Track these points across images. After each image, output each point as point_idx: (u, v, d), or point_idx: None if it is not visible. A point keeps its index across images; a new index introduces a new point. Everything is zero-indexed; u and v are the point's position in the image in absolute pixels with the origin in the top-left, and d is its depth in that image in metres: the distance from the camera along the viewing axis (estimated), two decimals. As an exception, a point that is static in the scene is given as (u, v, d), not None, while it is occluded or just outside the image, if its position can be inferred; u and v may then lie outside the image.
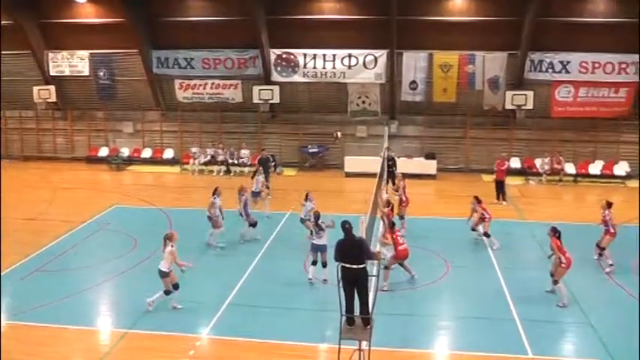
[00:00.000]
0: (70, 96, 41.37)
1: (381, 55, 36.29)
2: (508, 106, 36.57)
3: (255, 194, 26.85)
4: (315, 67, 36.88)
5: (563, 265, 18.72)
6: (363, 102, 37.87)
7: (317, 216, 20.16)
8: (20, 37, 37.66)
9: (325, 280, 19.69)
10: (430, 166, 36.44)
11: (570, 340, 16.97)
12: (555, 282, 18.86)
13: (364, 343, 13.27)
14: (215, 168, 37.42)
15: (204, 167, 37.66)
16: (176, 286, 17.90)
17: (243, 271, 20.87)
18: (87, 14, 37.68)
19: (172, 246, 17.79)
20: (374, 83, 37.20)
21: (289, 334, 16.49)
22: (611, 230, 21.74)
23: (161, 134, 40.28)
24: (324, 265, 19.80)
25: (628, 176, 36.64)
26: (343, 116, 38.29)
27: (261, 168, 29.21)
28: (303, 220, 23.62)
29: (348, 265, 13.16)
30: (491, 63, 36.30)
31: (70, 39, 38.68)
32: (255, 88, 37.35)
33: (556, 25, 35.03)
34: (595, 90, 36.44)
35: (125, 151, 40.12)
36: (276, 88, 37.24)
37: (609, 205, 22.16)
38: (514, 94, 36.22)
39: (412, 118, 38.70)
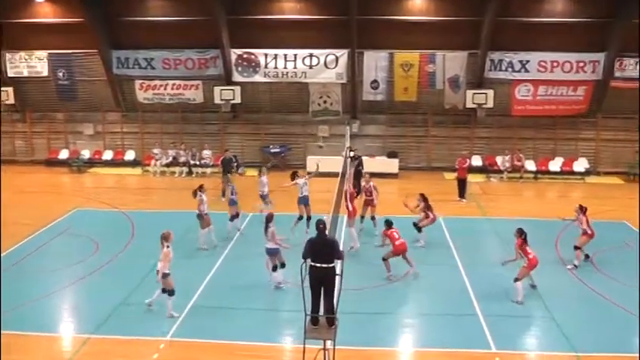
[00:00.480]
0: (29, 97, 40.80)
1: (342, 54, 36.36)
2: (469, 105, 36.95)
3: (264, 197, 26.84)
4: (276, 67, 36.84)
5: (525, 266, 19.05)
6: (325, 102, 37.92)
7: (269, 218, 19.90)
8: (-24, 38, 37.19)
9: (280, 284, 19.58)
10: (392, 165, 36.63)
11: (533, 334, 17.25)
12: (516, 280, 19.01)
13: (329, 343, 13.27)
14: (177, 169, 37.20)
15: (166, 169, 37.40)
16: (172, 292, 17.70)
17: (207, 272, 20.79)
18: (45, 14, 37.22)
19: (168, 246, 17.60)
20: (335, 83, 37.29)
21: (254, 335, 16.46)
22: (588, 232, 21.94)
23: (122, 136, 39.95)
24: (282, 265, 19.70)
25: (587, 172, 37.36)
26: (305, 116, 38.34)
27: (265, 168, 28.59)
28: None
29: (318, 265, 13.18)
30: (452, 62, 36.61)
31: (28, 39, 38.15)
32: (217, 89, 37.18)
33: (515, 25, 35.50)
34: (554, 88, 36.99)
35: (86, 154, 39.69)
36: (238, 89, 37.12)
37: (582, 209, 22.24)
38: (474, 93, 36.57)
39: (374, 117, 38.84)
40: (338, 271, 13.38)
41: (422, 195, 24.85)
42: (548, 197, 34.16)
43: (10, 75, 39.14)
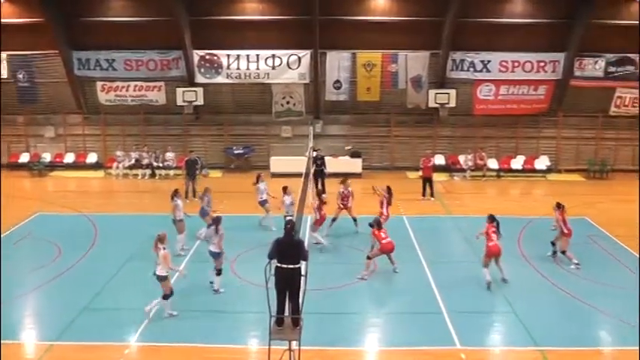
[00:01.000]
0: (-12, 100, 40.15)
1: (305, 55, 36.38)
2: (431, 105, 37.19)
3: (262, 203, 25.95)
4: (238, 68, 36.72)
5: (485, 250, 19.99)
6: (288, 102, 37.91)
7: (218, 220, 19.79)
8: None
9: (217, 291, 19.41)
10: (355, 165, 36.70)
11: (496, 329, 17.43)
12: (485, 266, 19.85)
13: (294, 343, 13.32)
14: (140, 172, 36.85)
15: (128, 171, 37.02)
16: (171, 292, 17.62)
17: (172, 275, 20.60)
18: (3, 14, 36.35)
19: (164, 248, 17.40)
20: (298, 83, 37.29)
21: (219, 337, 16.39)
22: (565, 231, 22.11)
23: (84, 138, 39.42)
24: (218, 272, 19.53)
25: (548, 170, 37.88)
26: (268, 117, 38.25)
27: (261, 175, 27.49)
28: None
29: (284, 266, 13.20)
30: (414, 62, 36.81)
31: (-14, 40, 37.59)
32: (179, 90, 36.95)
33: (476, 26, 35.88)
34: (515, 88, 37.44)
35: (47, 157, 39.05)
36: (200, 90, 36.94)
37: (559, 206, 22.35)
38: (437, 93, 36.82)
39: (337, 117, 38.91)
40: (303, 271, 13.40)
41: (388, 187, 24.98)
42: (511, 195, 34.53)
43: (-32, 77, 38.42)
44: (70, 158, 39.17)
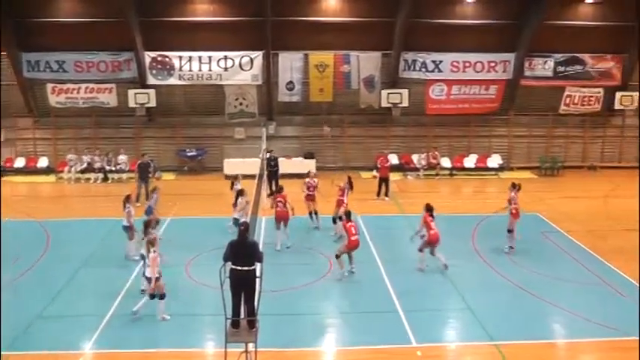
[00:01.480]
0: None
1: (257, 56, 36.27)
2: (384, 105, 37.34)
3: (237, 221, 23.01)
4: (191, 70, 36.44)
5: (423, 237, 20.84)
6: (241, 104, 37.75)
7: (149, 224, 19.56)
8: None
9: (144, 291, 19.00)
10: (309, 166, 36.55)
11: (452, 325, 17.61)
12: (420, 250, 20.95)
13: (250, 345, 13.26)
14: (92, 175, 36.28)
15: (80, 175, 36.42)
16: (162, 296, 17.47)
17: (125, 280, 20.27)
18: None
19: (155, 251, 17.28)
20: (251, 85, 37.11)
21: (175, 342, 16.24)
22: (513, 212, 22.83)
23: (34, 142, 38.63)
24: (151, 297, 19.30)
25: (501, 168, 38.35)
26: (221, 118, 38.05)
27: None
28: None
29: (238, 267, 13.14)
30: (366, 62, 36.92)
31: None
32: (131, 92, 36.49)
33: (427, 27, 36.18)
34: (467, 88, 37.86)
35: (-5, 161, 38.37)
36: (152, 92, 36.54)
37: (515, 186, 23.27)
38: (389, 93, 36.97)
39: (290, 118, 38.90)
40: (258, 273, 13.36)
41: (349, 177, 25.34)
42: (464, 193, 34.91)
43: None
44: (20, 163, 38.24)
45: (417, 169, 37.44)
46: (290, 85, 37.17)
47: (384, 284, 19.96)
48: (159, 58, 36.26)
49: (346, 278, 20.52)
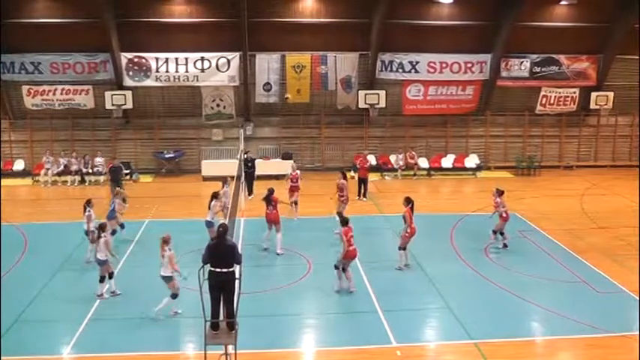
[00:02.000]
0: None
1: (234, 57, 36.21)
2: (361, 105, 37.46)
3: (210, 224, 23.23)
4: (167, 71, 36.28)
5: (407, 234, 21.04)
6: (218, 105, 37.69)
7: (103, 227, 19.47)
8: None
9: (101, 296, 19.05)
10: (287, 167, 36.54)
11: (431, 324, 17.65)
12: (400, 248, 21.18)
13: (230, 347, 13.22)
14: (69, 178, 36.01)
15: (57, 178, 36.08)
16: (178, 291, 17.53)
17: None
18: None
19: (170, 249, 17.31)
20: (228, 86, 37.06)
21: (154, 344, 16.12)
22: (504, 215, 23.11)
23: (10, 144, 38.28)
24: (110, 276, 19.27)
25: (478, 168, 38.51)
26: (198, 120, 37.99)
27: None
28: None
29: (218, 270, 13.10)
30: (343, 63, 37.00)
31: None
32: (107, 94, 36.29)
33: (404, 28, 36.36)
34: (444, 88, 38.10)
35: (-31, 165, 37.93)
36: (129, 93, 36.35)
37: (499, 192, 23.54)
38: (366, 94, 37.08)
39: (267, 119, 38.87)
40: (237, 275, 13.32)
41: (343, 172, 26.30)
42: (442, 193, 35.03)
43: None
44: (-6, 166, 38.04)
45: (394, 170, 37.50)
46: (267, 86, 37.15)
47: (364, 284, 19.96)
48: (135, 60, 36.08)
49: (326, 281, 20.46)
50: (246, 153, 31.89)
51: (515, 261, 22.15)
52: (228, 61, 36.29)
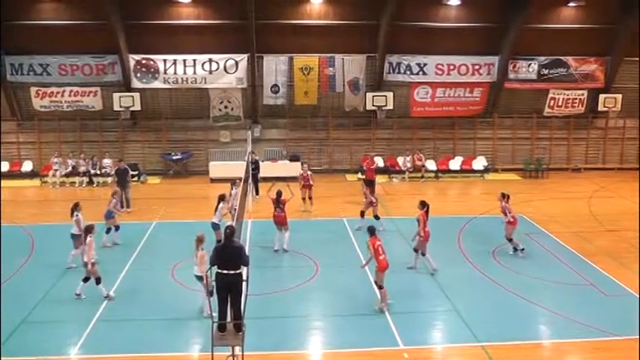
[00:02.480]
0: None
1: (242, 59, 36.26)
2: (369, 107, 37.50)
3: (216, 226, 23.04)
4: (175, 73, 36.39)
5: (421, 237, 20.96)
6: (226, 107, 37.72)
7: (89, 228, 19.34)
8: None
9: (78, 295, 18.99)
10: (295, 169, 36.56)
11: (438, 327, 17.56)
12: (421, 253, 21.10)
13: (237, 349, 13.23)
14: (77, 179, 36.17)
15: (65, 179, 36.23)
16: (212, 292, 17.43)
17: (111, 284, 20.15)
18: None
19: (203, 249, 17.30)
20: (235, 88, 37.12)
21: (160, 345, 16.13)
22: (511, 219, 22.91)
23: (18, 146, 38.46)
24: (97, 281, 19.09)
25: (486, 170, 38.42)
26: (206, 122, 38.06)
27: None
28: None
29: (225, 271, 13.12)
30: (351, 65, 37.02)
31: None
32: (115, 95, 36.44)
33: (412, 30, 36.37)
34: (451, 90, 38.11)
35: (-20, 166, 38.02)
36: (137, 95, 36.48)
37: (504, 196, 23.27)
38: (374, 96, 37.10)
39: (275, 121, 38.88)
40: (244, 276, 13.34)
41: (363, 180, 25.85)
42: (450, 195, 34.93)
43: None
44: (4, 167, 37.90)
45: (402, 172, 37.48)
46: (275, 88, 37.18)
47: (371, 287, 19.90)
48: (143, 62, 36.19)
49: (333, 283, 20.44)
50: (252, 155, 31.93)
51: (522, 264, 22.10)
52: (236, 63, 36.35)
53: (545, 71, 38.18)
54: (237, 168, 31.02)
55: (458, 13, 36.47)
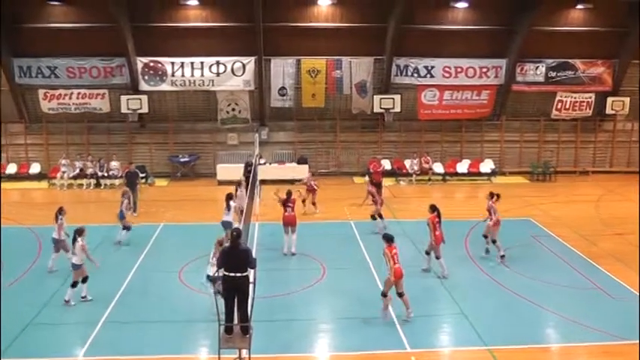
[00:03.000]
0: None
1: (249, 61, 36.30)
2: (376, 110, 37.43)
3: (229, 224, 23.09)
4: (183, 76, 36.44)
5: (433, 242, 20.99)
6: (233, 109, 37.73)
7: (80, 232, 19.28)
8: None
9: (67, 302, 18.90)
10: (302, 171, 36.56)
11: (445, 330, 17.56)
12: (435, 257, 21.12)
13: (244, 352, 13.23)
14: (84, 181, 36.20)
15: (73, 181, 36.32)
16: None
17: (119, 285, 20.23)
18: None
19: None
20: (243, 90, 37.15)
21: (168, 347, 16.16)
22: (494, 219, 22.83)
23: (26, 148, 38.58)
24: (84, 280, 19.12)
25: (493, 173, 38.40)
26: (213, 124, 38.07)
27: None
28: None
29: (232, 274, 13.13)
30: (358, 68, 37.00)
31: None
32: (123, 98, 36.50)
33: (419, 32, 36.36)
34: (459, 93, 37.98)
35: (-11, 167, 38.10)
36: (145, 97, 36.54)
37: (492, 195, 23.24)
38: (382, 98, 37.05)
39: (282, 124, 38.90)
40: (251, 279, 13.34)
41: (369, 180, 27.30)
42: (457, 198, 34.93)
43: None
44: (12, 169, 38.12)
45: (409, 175, 37.46)
46: (282, 91, 37.20)
47: (378, 290, 19.85)
48: (151, 64, 36.25)
49: (341, 286, 20.40)
50: (260, 157, 31.96)
51: (529, 267, 22.05)
52: (244, 66, 36.38)
53: (553, 74, 38.13)
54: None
55: (465, 16, 36.48)
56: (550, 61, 37.96)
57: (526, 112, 39.55)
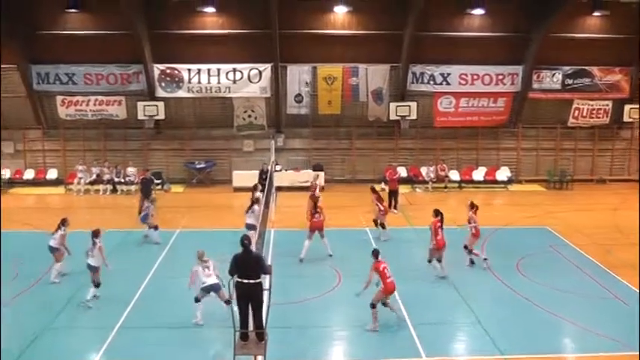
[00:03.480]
0: (-55, 116, 39.33)
1: (266, 68, 36.38)
2: (392, 117, 37.41)
3: (251, 227, 23.31)
4: (199, 82, 36.58)
5: (433, 246, 21.36)
6: (249, 116, 37.82)
7: (96, 233, 19.51)
8: None
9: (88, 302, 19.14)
10: (318, 178, 36.66)
11: (461, 338, 17.51)
12: (437, 259, 21.36)
13: (259, 358, 13.24)
14: (101, 187, 36.40)
15: (89, 187, 36.50)
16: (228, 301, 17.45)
17: (134, 291, 20.33)
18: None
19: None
20: (259, 97, 37.23)
21: (182, 354, 16.20)
22: (473, 231, 22.90)
23: (43, 154, 38.81)
24: (97, 285, 19.34)
25: (509, 181, 38.27)
26: (229, 131, 38.15)
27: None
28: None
29: (245, 281, 13.14)
30: (375, 75, 37.02)
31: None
32: (140, 104, 36.66)
33: (435, 39, 36.29)
34: (475, 100, 37.91)
35: (6, 173, 38.05)
36: (161, 104, 36.69)
37: (473, 206, 23.38)
38: (398, 105, 37.04)
39: (298, 130, 38.93)
40: (266, 285, 13.35)
41: (371, 188, 26.98)
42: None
43: None
44: (29, 174, 38.43)
45: (425, 182, 37.42)
46: (298, 98, 37.26)
47: (393, 297, 19.83)
48: (168, 71, 36.41)
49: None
50: (264, 164, 32.07)
51: (545, 275, 21.92)
52: (260, 73, 36.47)
53: (570, 81, 38.01)
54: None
55: (481, 23, 36.43)
56: (567, 68, 37.83)
57: (542, 120, 39.40)
